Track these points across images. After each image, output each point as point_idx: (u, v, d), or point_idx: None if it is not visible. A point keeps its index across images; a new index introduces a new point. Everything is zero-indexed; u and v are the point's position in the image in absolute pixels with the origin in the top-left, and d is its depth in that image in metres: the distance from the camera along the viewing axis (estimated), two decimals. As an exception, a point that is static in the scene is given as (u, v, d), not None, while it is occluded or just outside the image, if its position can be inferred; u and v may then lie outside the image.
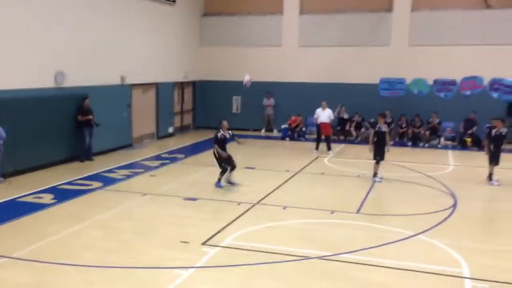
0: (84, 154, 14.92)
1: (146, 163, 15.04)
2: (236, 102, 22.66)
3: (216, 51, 22.79)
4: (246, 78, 12.69)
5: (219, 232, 8.68)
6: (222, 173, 11.97)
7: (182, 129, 22.01)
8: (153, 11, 18.94)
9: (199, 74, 22.80)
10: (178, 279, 6.74)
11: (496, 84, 19.34)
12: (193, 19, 22.44)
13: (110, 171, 13.72)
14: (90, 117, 14.86)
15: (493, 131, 12.52)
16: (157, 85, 19.59)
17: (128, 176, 13.14)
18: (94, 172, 13.48)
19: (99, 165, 14.41)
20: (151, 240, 8.31)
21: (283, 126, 20.63)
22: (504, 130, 12.49)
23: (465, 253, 7.79)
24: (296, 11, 21.76)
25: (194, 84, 22.74)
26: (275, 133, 21.49)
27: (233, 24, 22.50)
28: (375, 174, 12.75)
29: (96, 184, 12.15)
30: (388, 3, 20.54)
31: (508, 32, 19.10)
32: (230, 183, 12.08)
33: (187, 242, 8.11)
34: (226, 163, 11.96)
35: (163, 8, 19.62)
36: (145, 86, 18.83)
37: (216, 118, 22.48)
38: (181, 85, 21.80)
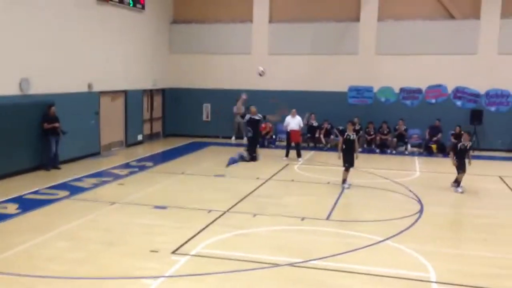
0: (50, 162, 14.61)
1: (115, 171, 14.81)
2: (206, 110, 22.60)
3: (186, 59, 22.71)
4: (260, 69, 12.73)
5: (189, 240, 8.62)
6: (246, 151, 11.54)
7: (152, 137, 21.81)
8: (121, 18, 18.76)
9: (168, 82, 22.67)
10: (147, 289, 6.66)
11: (460, 93, 19.96)
12: (163, 26, 22.33)
13: (77, 179, 13.46)
14: (56, 125, 14.57)
15: (459, 145, 12.78)
16: (126, 93, 19.38)
17: (96, 185, 12.92)
18: (61, 181, 13.20)
19: (66, 173, 14.12)
20: (119, 249, 8.18)
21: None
22: (469, 144, 12.78)
23: (432, 258, 7.95)
24: (266, 20, 21.90)
25: (163, 91, 22.59)
26: (245, 140, 21.47)
27: (202, 32, 22.49)
28: (344, 181, 12.91)
29: (62, 193, 11.90)
30: (355, 13, 20.91)
31: (470, 42, 19.70)
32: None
33: (157, 251, 8.02)
34: (252, 150, 11.52)
35: (132, 15, 19.46)
36: (113, 93, 18.60)
37: (186, 125, 22.60)
38: (151, 93, 21.62)
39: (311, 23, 21.29)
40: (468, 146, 12.72)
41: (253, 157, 11.49)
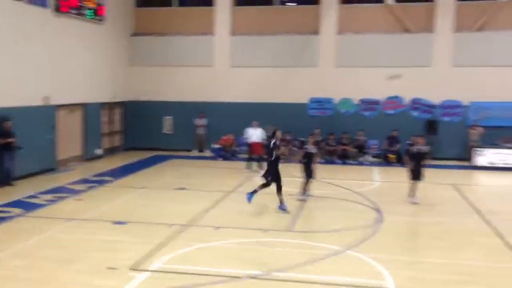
0: (3, 179, 14.10)
1: (72, 187, 14.44)
2: (167, 123, 22.40)
3: (147, 71, 22.50)
4: (393, 76, 12.64)
5: (149, 256, 8.47)
6: (263, 186, 11.75)
7: (112, 151, 21.40)
8: (80, 30, 18.44)
9: (129, 94, 22.38)
10: (105, 307, 6.49)
11: (416, 104, 20.54)
12: (123, 39, 22.08)
13: (32, 196, 13.03)
14: (11, 140, 14.12)
15: (415, 148, 13.08)
16: (84, 106, 18.99)
17: (52, 201, 12.54)
18: (15, 198, 12.74)
19: (20, 190, 13.66)
20: (76, 267, 7.95)
21: (215, 146, 20.63)
22: (424, 148, 13.10)
23: (391, 266, 8.09)
24: (227, 32, 22.00)
25: (123, 104, 22.27)
26: (207, 153, 21.40)
27: (164, 44, 22.36)
28: (303, 192, 12.94)
29: (16, 210, 11.50)
30: (315, 26, 21.26)
31: (425, 55, 20.34)
32: (282, 209, 11.70)
33: (115, 268, 7.84)
34: (274, 179, 11.71)
35: (91, 26, 19.15)
36: (71, 106, 18.20)
37: (146, 139, 22.33)
38: (110, 106, 21.27)
39: (272, 35, 21.51)
40: (424, 150, 12.94)
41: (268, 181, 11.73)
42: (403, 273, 7.84)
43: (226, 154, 20.22)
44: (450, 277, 7.79)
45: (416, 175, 12.88)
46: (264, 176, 11.95)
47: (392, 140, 19.72)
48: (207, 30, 22.09)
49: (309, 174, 12.93)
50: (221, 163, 19.51)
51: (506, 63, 19.58)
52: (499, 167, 18.13)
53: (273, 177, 11.71)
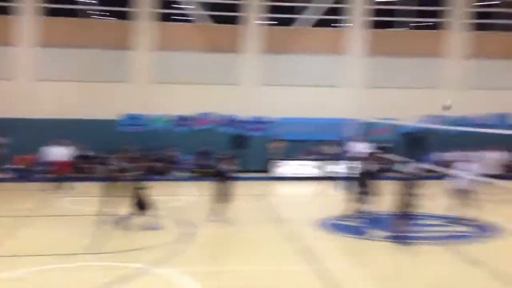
0: None
1: None
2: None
3: None
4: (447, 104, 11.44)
5: None
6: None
7: None
8: None
9: None
10: None
11: (226, 120, 21.68)
12: None
13: None
14: None
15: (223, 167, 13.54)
16: None
17: None
18: None
19: None
20: None
21: (10, 166, 18.81)
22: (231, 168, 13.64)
23: (200, 277, 8.37)
24: (33, 43, 20.45)
25: None
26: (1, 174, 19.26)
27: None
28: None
29: None
30: (128, 41, 21.01)
31: (235, 73, 21.63)
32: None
33: None
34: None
35: None
36: None
37: None
38: None
39: (81, 49, 20.63)
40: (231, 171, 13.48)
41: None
42: (212, 283, 8.19)
43: (26, 174, 18.48)
44: (249, 282, 8.34)
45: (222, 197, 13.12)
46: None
47: (203, 155, 20.34)
48: (7, 40, 20.20)
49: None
50: (18, 185, 17.75)
51: (307, 83, 21.85)
52: (295, 177, 20.06)
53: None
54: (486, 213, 12.59)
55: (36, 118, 19.96)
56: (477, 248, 10.62)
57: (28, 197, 15.46)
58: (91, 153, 19.59)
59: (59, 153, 16.17)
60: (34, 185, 17.22)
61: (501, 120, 22.18)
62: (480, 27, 22.93)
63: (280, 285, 8.32)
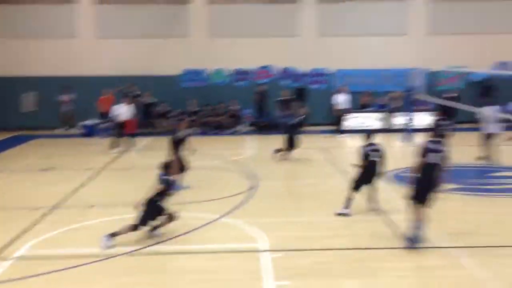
0: None
1: None
2: (28, 100, 20.61)
3: (2, 43, 20.43)
4: None
5: (12, 242, 7.81)
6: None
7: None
8: None
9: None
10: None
11: (285, 73, 21.30)
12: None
13: None
14: None
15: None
16: None
17: None
18: None
19: None
20: None
21: (87, 123, 19.48)
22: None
23: (265, 228, 8.36)
24: (91, 1, 20.71)
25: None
26: (75, 130, 20.04)
27: (20, 14, 20.40)
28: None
29: None
30: (184, -5, 20.90)
31: (292, 25, 21.01)
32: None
33: (-27, 259, 7.11)
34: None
35: None
36: None
37: (5, 118, 20.29)
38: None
39: (139, 4, 20.69)
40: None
41: None
42: (276, 234, 8.15)
43: (97, 130, 19.01)
44: (322, 233, 8.27)
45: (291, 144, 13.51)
46: None
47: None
48: (68, -2, 20.61)
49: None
50: (89, 140, 18.43)
51: (365, 33, 20.92)
52: (362, 129, 19.41)
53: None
54: None
55: (98, 76, 20.42)
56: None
57: (99, 152, 15.90)
58: (161, 107, 19.89)
59: (126, 112, 16.23)
60: (104, 140, 17.71)
61: None
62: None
63: (354, 235, 8.19)
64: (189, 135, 11.58)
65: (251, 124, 20.53)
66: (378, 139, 9.53)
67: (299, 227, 8.62)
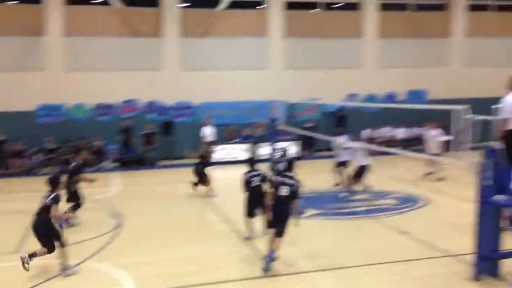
0: None
1: None
2: None
3: None
4: None
5: None
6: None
7: None
8: None
9: None
10: None
11: (151, 106, 21.09)
12: None
13: None
14: None
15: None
16: None
17: None
18: None
19: None
20: None
21: None
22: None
23: (131, 269, 8.09)
24: None
25: None
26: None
27: None
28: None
29: None
30: (39, 27, 19.71)
31: (155, 59, 20.95)
32: None
33: None
34: None
35: None
36: None
37: None
38: None
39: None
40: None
41: None
42: (143, 274, 7.95)
43: None
44: (182, 270, 8.22)
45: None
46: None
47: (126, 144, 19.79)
48: None
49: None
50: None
51: (227, 67, 21.63)
52: (227, 161, 19.77)
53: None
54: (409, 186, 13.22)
55: None
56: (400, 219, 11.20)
57: None
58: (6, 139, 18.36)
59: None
60: None
61: (416, 97, 23.25)
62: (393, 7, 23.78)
63: (217, 270, 8.26)
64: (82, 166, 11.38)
65: (116, 160, 19.86)
66: (259, 166, 9.92)
67: (168, 265, 8.46)
